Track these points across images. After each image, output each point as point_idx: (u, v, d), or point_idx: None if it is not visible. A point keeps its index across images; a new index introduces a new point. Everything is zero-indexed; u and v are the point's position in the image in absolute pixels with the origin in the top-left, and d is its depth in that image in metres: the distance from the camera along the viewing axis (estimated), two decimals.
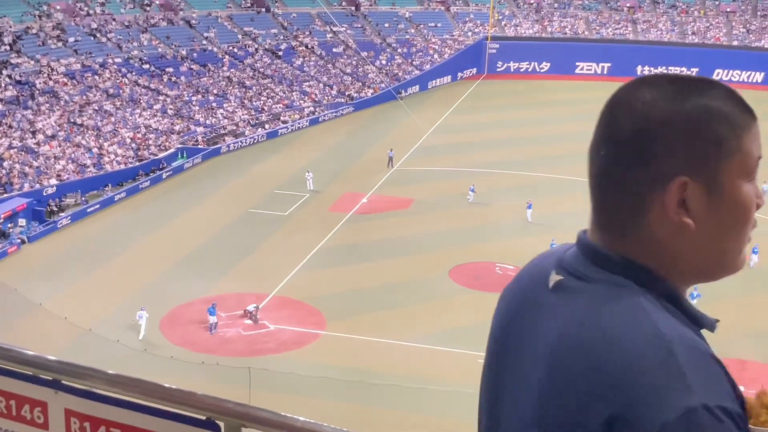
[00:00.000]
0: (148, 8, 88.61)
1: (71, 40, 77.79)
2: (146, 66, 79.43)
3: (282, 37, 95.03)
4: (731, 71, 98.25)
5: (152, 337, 39.13)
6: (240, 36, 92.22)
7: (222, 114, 74.99)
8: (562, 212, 56.32)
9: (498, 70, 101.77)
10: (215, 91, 79.05)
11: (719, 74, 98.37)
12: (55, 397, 3.81)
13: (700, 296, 42.00)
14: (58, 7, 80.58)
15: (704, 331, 2.43)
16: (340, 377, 35.62)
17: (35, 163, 58.58)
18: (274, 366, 36.23)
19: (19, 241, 49.45)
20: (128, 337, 38.53)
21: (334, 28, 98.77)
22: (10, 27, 74.21)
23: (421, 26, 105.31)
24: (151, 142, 66.45)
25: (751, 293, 44.78)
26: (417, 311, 42.19)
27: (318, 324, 40.81)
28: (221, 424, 3.35)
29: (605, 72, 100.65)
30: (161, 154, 64.89)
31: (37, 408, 3.88)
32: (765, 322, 41.57)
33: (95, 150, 62.68)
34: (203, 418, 3.38)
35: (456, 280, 45.96)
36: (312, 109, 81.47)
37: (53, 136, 62.71)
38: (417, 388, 34.90)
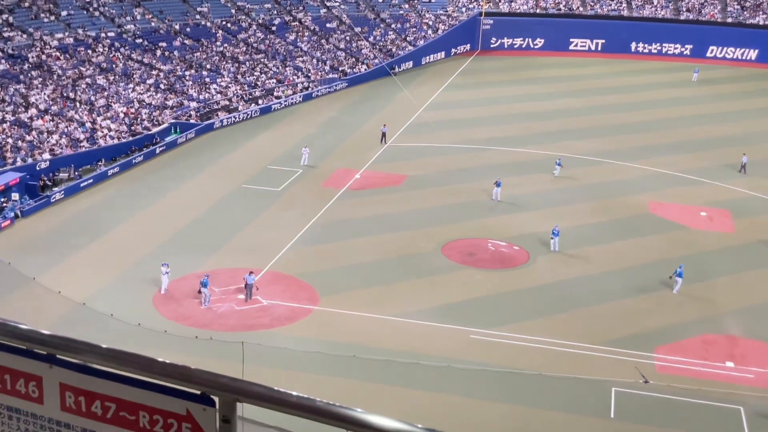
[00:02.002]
0: None
1: (64, 13, 77.30)
2: (139, 40, 79.02)
3: (275, 12, 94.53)
4: (725, 48, 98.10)
5: (146, 311, 39.16)
6: (233, 11, 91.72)
7: (215, 89, 74.70)
8: (542, 191, 56.46)
9: (492, 46, 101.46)
10: (208, 66, 78.71)
11: (713, 51, 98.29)
12: (50, 371, 3.84)
13: (682, 275, 42.20)
14: None
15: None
16: (333, 352, 35.75)
17: (28, 138, 58.35)
18: (267, 341, 36.33)
19: (12, 215, 49.34)
20: (122, 311, 38.55)
21: (328, 3, 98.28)
22: (3, 0, 73.65)
23: (415, 1, 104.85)
24: (144, 116, 66.20)
25: (740, 272, 45.08)
26: (409, 287, 42.30)
27: (311, 299, 40.89)
28: (216, 399, 3.38)
29: (599, 48, 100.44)
30: (154, 129, 64.69)
31: (32, 382, 3.90)
32: (752, 299, 41.72)
33: (88, 125, 62.44)
34: (198, 392, 3.41)
35: (449, 256, 46.02)
36: (305, 84, 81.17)
37: (46, 111, 62.46)
38: (410, 363, 35.05)
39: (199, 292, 40.30)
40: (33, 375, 3.88)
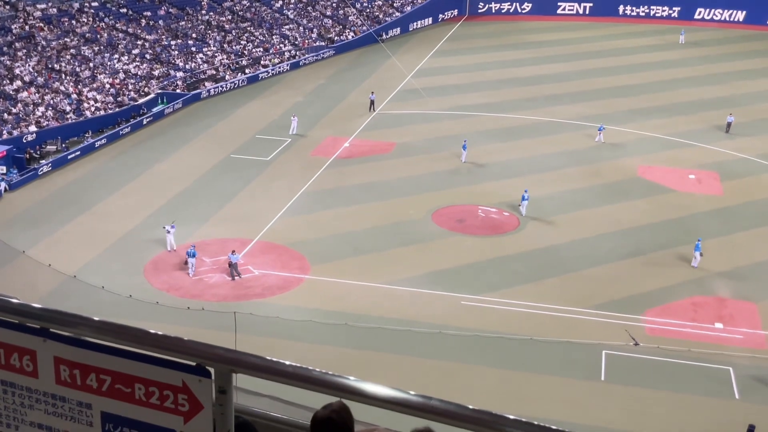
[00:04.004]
0: None
1: None
2: (123, 10, 78.27)
3: None
4: (713, 10, 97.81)
5: (137, 282, 39.17)
6: None
7: (201, 58, 74.20)
8: (532, 156, 56.49)
9: (479, 11, 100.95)
10: (194, 35, 78.09)
11: (701, 13, 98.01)
12: (43, 345, 3.83)
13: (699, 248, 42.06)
14: None
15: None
16: (325, 320, 35.88)
17: (14, 110, 57.94)
18: (259, 310, 36.45)
19: (0, 188, 49.11)
20: (112, 283, 38.56)
21: None
22: None
23: None
24: (130, 87, 65.79)
25: (728, 233, 45.31)
26: (400, 254, 42.38)
27: (302, 268, 40.96)
28: (212, 370, 3.39)
29: (587, 12, 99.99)
30: (141, 100, 64.31)
31: (26, 356, 3.90)
32: (739, 260, 41.89)
33: (74, 96, 62.01)
34: (194, 364, 3.42)
35: (439, 223, 46.09)
36: (293, 52, 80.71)
37: (31, 82, 61.98)
38: (401, 330, 35.23)
39: (186, 262, 40.35)
40: (27, 349, 3.88)
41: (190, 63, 72.76)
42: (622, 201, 49.20)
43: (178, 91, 67.79)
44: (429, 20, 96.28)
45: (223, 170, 53.32)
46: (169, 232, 42.33)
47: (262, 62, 77.13)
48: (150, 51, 72.70)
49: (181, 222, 45.07)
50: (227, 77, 72.75)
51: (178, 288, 39.04)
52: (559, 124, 62.08)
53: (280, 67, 77.01)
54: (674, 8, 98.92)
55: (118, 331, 3.49)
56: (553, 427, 3.30)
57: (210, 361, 3.37)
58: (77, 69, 65.87)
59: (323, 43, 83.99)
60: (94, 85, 64.48)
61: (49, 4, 73.65)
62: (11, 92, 59.87)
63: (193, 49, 75.37)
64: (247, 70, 75.14)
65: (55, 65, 65.44)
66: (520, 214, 46.87)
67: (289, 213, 47.10)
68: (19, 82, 61.28)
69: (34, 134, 55.52)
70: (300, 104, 66.75)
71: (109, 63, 68.41)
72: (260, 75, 74.83)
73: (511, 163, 54.51)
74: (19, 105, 58.79)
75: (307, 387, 3.39)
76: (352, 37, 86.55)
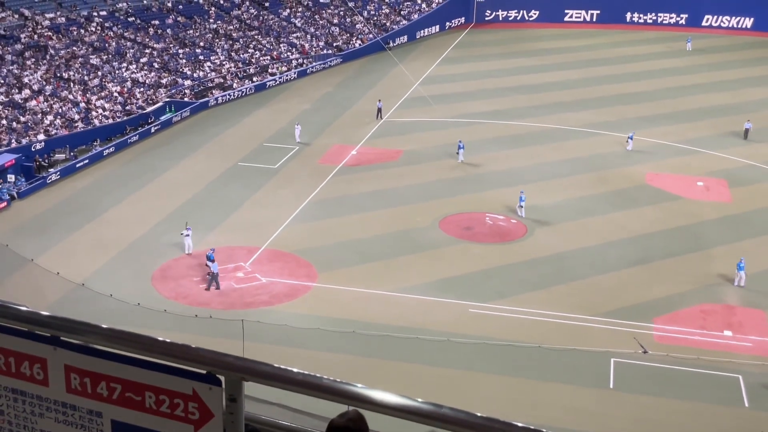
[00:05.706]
0: None
1: None
2: (132, 19, 78.54)
3: None
4: (721, 17, 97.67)
5: (144, 290, 39.20)
6: None
7: (209, 67, 74.37)
8: (540, 163, 56.46)
9: (486, 18, 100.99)
10: (202, 44, 78.30)
11: (709, 20, 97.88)
12: (54, 353, 3.84)
13: (743, 268, 41.44)
14: None
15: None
16: (333, 328, 35.85)
17: (23, 119, 58.13)
18: (266, 318, 36.43)
19: (8, 197, 49.24)
20: (120, 291, 38.60)
21: None
22: None
23: None
24: (138, 96, 65.95)
25: (736, 241, 45.15)
26: (407, 262, 42.35)
27: (309, 276, 40.95)
28: (222, 378, 3.40)
29: (594, 19, 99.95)
30: (149, 108, 64.43)
31: (37, 364, 3.91)
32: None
33: (83, 105, 62.19)
34: (204, 372, 3.42)
35: (446, 231, 46.05)
36: (300, 60, 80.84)
37: (40, 91, 62.18)
38: (409, 338, 35.17)
39: (207, 265, 40.19)
40: (38, 357, 3.88)
41: (197, 71, 72.94)
42: (630, 208, 49.12)
43: (185, 99, 67.95)
44: (436, 28, 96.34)
45: (231, 178, 53.39)
46: (187, 235, 42.64)
47: (269, 70, 77.27)
48: (158, 59, 72.90)
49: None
50: (235, 85, 72.91)
51: (186, 296, 39.06)
52: (566, 132, 62.03)
53: (287, 75, 77.14)
54: (682, 15, 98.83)
55: (129, 339, 3.49)
56: None
57: (221, 369, 3.37)
58: (86, 78, 66.08)
59: (330, 51, 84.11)
60: (103, 94, 64.66)
61: (58, 14, 73.94)
62: (20, 101, 60.08)
63: (201, 57, 75.56)
64: (254, 78, 75.29)
65: (64, 74, 65.66)
66: (518, 216, 47.00)
67: (297, 221, 47.12)
68: (27, 91, 61.49)
69: (43, 143, 55.68)
70: (307, 112, 66.82)
71: (117, 72, 68.62)
72: (267, 83, 74.97)
73: (518, 171, 54.46)
74: (28, 114, 58.98)
75: (318, 395, 3.39)
76: (360, 45, 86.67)
